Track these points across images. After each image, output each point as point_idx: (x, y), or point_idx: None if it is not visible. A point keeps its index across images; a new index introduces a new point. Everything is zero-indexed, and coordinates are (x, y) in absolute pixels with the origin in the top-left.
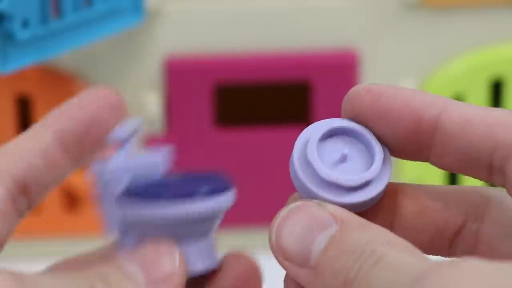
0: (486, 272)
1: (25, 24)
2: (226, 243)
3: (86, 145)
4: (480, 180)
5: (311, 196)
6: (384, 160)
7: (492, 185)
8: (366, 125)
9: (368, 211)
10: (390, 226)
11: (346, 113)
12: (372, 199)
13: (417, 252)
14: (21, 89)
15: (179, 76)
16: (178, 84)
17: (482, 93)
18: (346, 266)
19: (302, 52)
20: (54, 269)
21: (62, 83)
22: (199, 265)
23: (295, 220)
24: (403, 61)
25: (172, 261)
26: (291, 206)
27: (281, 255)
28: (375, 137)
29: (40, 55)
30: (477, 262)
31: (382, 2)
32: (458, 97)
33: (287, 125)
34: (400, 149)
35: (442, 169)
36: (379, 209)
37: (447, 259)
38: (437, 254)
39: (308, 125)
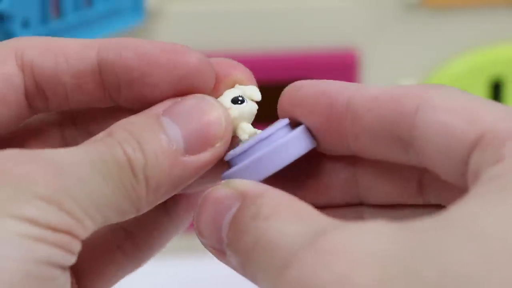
0: (346, 250)
1: (25, 24)
2: None
3: (125, 82)
4: (403, 163)
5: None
6: (301, 134)
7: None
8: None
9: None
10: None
11: (279, 108)
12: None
13: (306, 215)
14: None
15: None
16: None
17: (482, 93)
18: (240, 248)
19: (302, 52)
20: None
21: None
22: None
23: (205, 210)
24: (403, 61)
25: (215, 115)
26: (202, 197)
27: (209, 248)
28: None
29: None
30: (339, 238)
31: (382, 2)
32: None
33: None
34: (324, 139)
35: (365, 156)
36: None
37: (330, 224)
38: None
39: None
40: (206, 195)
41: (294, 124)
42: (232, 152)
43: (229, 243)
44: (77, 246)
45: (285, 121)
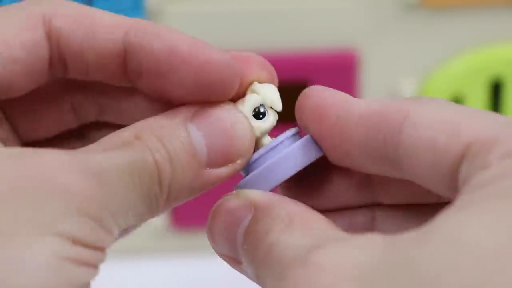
0: (332, 263)
1: None
2: None
3: (148, 71)
4: (386, 175)
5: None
6: (306, 143)
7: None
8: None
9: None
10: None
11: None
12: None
13: (311, 227)
14: None
15: None
16: None
17: (481, 93)
18: (254, 259)
19: (302, 52)
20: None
21: None
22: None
23: (218, 221)
24: (403, 61)
25: (233, 117)
26: (214, 207)
27: (223, 258)
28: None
29: None
30: (328, 252)
31: (382, 2)
32: (458, 97)
33: (287, 125)
34: (327, 150)
35: (359, 170)
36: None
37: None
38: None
39: None
40: (218, 205)
41: (304, 133)
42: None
43: (245, 253)
44: (104, 259)
45: (295, 129)
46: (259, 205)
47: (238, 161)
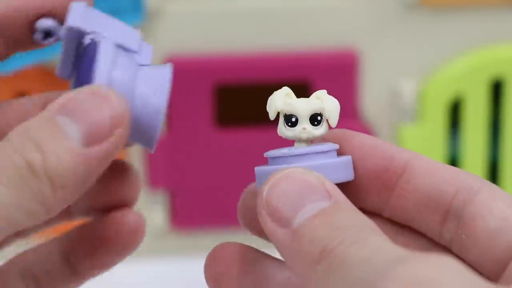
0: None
1: None
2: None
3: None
4: (429, 232)
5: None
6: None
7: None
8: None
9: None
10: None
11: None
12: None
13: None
14: (20, 88)
15: (179, 76)
16: (178, 84)
17: (482, 93)
18: (328, 237)
19: (302, 52)
20: None
21: (61, 83)
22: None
23: (292, 183)
24: (403, 61)
25: (111, 105)
26: (293, 170)
27: (267, 210)
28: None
29: (40, 54)
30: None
31: (382, 2)
32: (458, 97)
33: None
34: (367, 184)
35: (394, 219)
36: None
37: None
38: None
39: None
40: (300, 171)
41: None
42: (284, 151)
43: (312, 229)
44: None
45: (336, 146)
46: (342, 203)
47: (119, 130)
